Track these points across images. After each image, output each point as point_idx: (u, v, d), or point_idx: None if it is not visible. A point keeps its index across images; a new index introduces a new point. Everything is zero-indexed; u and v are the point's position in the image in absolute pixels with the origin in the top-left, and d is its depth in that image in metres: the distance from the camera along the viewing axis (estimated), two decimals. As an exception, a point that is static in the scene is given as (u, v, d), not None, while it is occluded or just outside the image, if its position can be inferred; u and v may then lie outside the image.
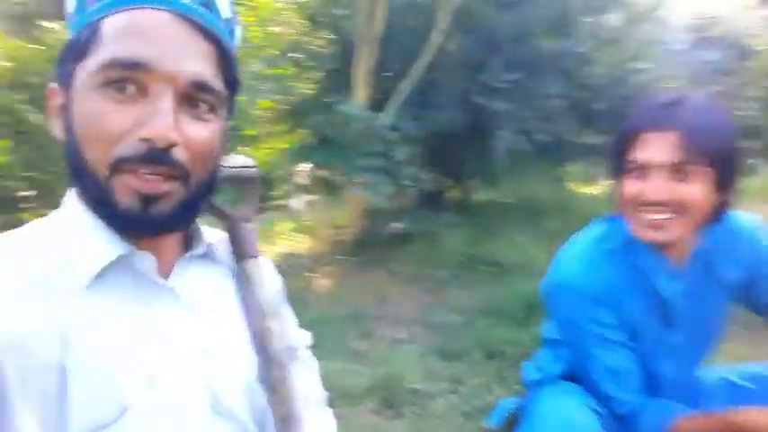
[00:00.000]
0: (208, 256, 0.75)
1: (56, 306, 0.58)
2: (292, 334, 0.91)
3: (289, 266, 5.69)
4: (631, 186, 1.12)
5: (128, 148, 0.57)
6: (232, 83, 0.66)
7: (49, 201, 3.55)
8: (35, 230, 0.65)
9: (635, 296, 1.20)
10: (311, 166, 5.87)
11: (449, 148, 5.75)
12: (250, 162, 0.84)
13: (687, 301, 1.21)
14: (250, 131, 6.01)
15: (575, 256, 1.24)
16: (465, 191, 7.36)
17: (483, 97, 5.04)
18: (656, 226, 1.10)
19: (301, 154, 5.36)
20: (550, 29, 5.60)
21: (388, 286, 4.96)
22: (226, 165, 0.78)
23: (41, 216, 0.68)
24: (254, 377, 0.73)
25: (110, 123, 0.57)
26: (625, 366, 1.21)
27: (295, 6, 5.03)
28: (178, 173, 0.59)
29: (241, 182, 0.83)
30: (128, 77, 0.57)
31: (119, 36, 0.58)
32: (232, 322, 0.74)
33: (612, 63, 6.14)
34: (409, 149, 4.64)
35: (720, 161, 1.06)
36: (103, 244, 0.62)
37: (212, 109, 0.63)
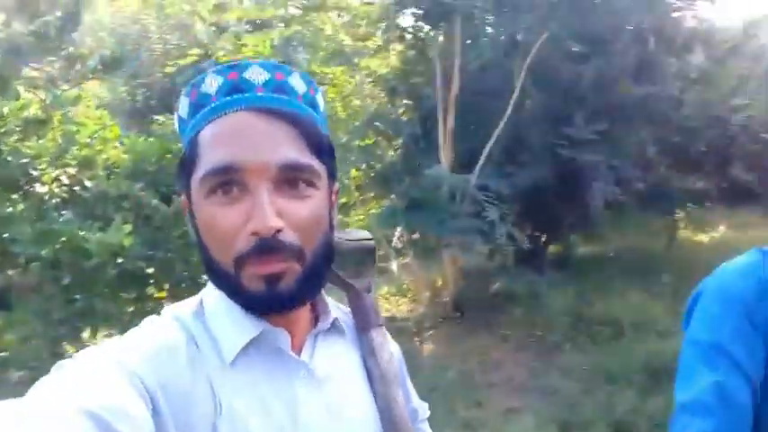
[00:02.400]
0: (334, 329, 0.78)
1: (207, 375, 0.63)
2: (415, 403, 0.94)
3: (391, 331, 5.66)
4: None
5: (243, 244, 0.62)
6: (324, 151, 0.68)
7: (169, 276, 3.88)
8: (187, 307, 0.70)
9: None
10: (403, 229, 5.97)
11: (542, 204, 5.68)
12: (367, 235, 0.88)
13: None
14: (343, 200, 6.26)
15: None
16: (564, 246, 7.16)
17: (570, 150, 5.01)
18: None
19: (391, 218, 5.49)
20: (633, 75, 5.52)
21: (495, 350, 4.80)
22: (347, 238, 0.83)
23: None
24: None
25: (223, 226, 0.62)
26: None
27: (373, 80, 5.33)
28: (291, 254, 0.63)
29: (361, 254, 0.86)
30: (227, 181, 0.62)
31: (210, 147, 0.64)
32: (359, 393, 0.77)
33: (706, 103, 5.89)
34: (501, 208, 4.64)
35: None
36: (242, 324, 0.67)
37: (311, 184, 0.65)
